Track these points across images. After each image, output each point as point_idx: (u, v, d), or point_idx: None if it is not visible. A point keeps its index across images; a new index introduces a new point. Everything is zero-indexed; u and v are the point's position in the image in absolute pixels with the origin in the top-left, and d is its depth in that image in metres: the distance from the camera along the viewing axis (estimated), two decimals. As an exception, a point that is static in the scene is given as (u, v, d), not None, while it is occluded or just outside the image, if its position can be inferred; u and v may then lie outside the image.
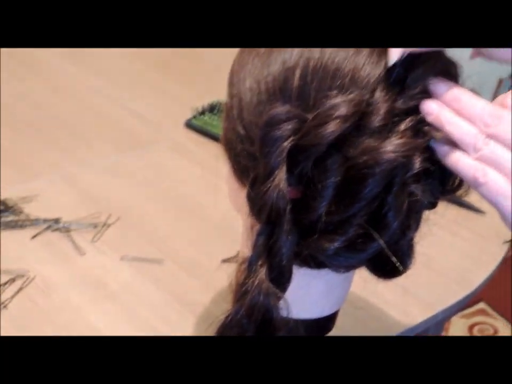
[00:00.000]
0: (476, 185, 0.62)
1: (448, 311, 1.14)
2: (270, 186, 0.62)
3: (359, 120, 0.62)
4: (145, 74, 1.87)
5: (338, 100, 0.62)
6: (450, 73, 0.66)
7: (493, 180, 0.61)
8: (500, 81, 2.98)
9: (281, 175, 0.62)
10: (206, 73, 1.86)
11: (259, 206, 0.64)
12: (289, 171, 0.63)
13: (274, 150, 0.62)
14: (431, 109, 0.64)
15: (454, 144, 0.63)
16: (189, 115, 1.62)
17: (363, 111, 0.62)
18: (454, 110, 0.63)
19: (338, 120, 0.61)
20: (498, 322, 2.47)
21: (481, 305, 2.53)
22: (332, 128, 0.61)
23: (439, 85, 0.64)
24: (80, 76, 1.82)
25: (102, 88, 1.77)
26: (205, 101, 1.65)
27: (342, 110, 0.61)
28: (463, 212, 1.34)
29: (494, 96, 2.08)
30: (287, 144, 0.62)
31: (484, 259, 1.25)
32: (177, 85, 1.81)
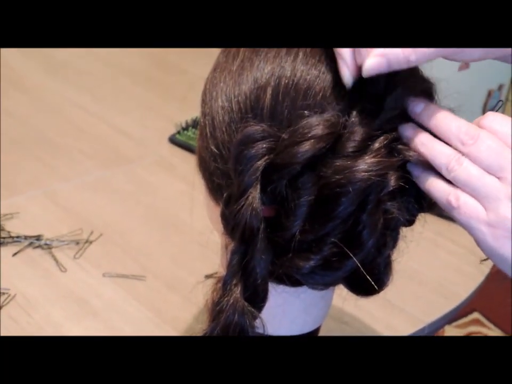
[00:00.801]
0: (449, 209, 0.61)
1: (435, 325, 1.14)
2: (243, 205, 0.62)
3: (334, 143, 0.61)
4: (129, 90, 1.87)
5: (314, 119, 0.61)
6: (428, 93, 0.66)
7: (465, 203, 0.60)
8: (490, 93, 2.98)
9: (254, 194, 0.62)
10: (190, 88, 1.85)
11: (233, 224, 0.63)
12: (263, 190, 0.62)
13: (248, 169, 0.62)
14: (407, 133, 0.64)
15: (429, 167, 0.63)
16: (172, 130, 1.62)
17: (339, 133, 0.62)
18: (431, 128, 0.63)
19: (313, 140, 0.61)
20: (493, 332, 2.46)
21: (475, 315, 2.52)
22: (307, 147, 0.61)
23: (416, 104, 0.64)
24: (63, 91, 1.81)
25: (85, 104, 1.76)
26: (189, 116, 1.65)
27: (318, 130, 0.61)
28: (445, 224, 1.34)
29: (484, 107, 2.06)
30: (261, 162, 0.62)
31: (470, 271, 1.25)
32: (161, 100, 1.81)
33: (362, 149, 0.62)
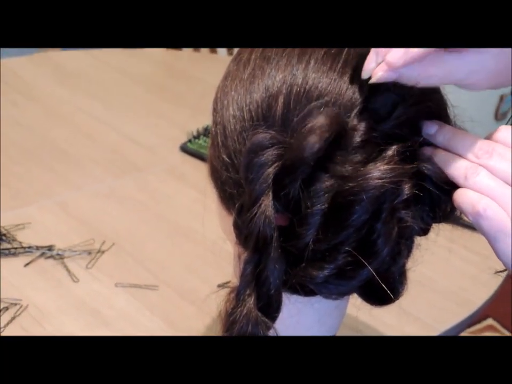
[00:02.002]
0: (475, 218, 0.60)
1: (450, 333, 1.13)
2: (256, 213, 0.61)
3: (340, 138, 0.61)
4: (140, 98, 1.87)
5: (317, 116, 0.61)
6: (443, 111, 0.66)
7: (495, 214, 0.59)
8: (502, 97, 2.98)
9: (267, 202, 0.61)
10: (201, 96, 1.85)
11: (246, 233, 0.63)
12: (276, 197, 0.62)
13: (259, 177, 0.61)
14: (425, 151, 0.64)
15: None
16: (184, 139, 1.62)
17: (342, 123, 0.61)
18: (445, 147, 0.63)
19: (318, 131, 0.60)
20: (509, 338, 2.44)
21: (489, 321, 2.50)
22: (313, 139, 0.60)
23: (429, 126, 0.64)
24: (73, 100, 1.82)
25: (96, 112, 1.76)
26: (200, 125, 1.64)
27: (321, 121, 0.60)
28: (459, 230, 1.32)
29: (496, 112, 2.07)
30: (272, 169, 0.61)
31: (484, 278, 1.24)
32: (172, 108, 1.81)
33: (371, 144, 0.62)
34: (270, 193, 0.61)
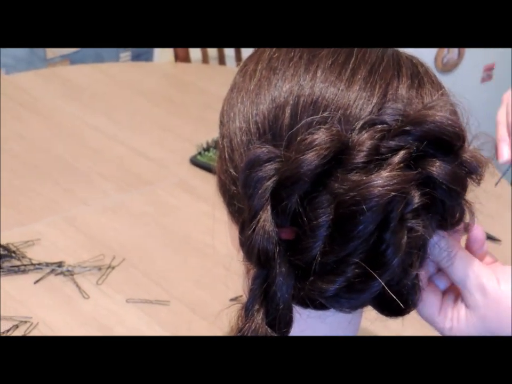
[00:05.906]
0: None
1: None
2: (255, 229, 0.60)
3: (340, 154, 0.59)
4: (149, 111, 1.86)
5: (318, 131, 0.60)
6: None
7: None
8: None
9: (265, 217, 0.60)
10: (209, 108, 1.85)
11: (248, 249, 0.62)
12: (276, 211, 0.61)
13: (257, 191, 0.60)
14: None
15: None
16: (193, 151, 1.61)
17: (343, 141, 0.60)
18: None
19: (316, 148, 0.59)
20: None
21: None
22: (309, 156, 0.59)
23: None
24: (79, 114, 1.81)
25: (103, 126, 1.75)
26: (210, 137, 1.63)
27: (320, 139, 0.59)
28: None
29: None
30: (269, 183, 0.60)
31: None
32: (181, 121, 1.80)
33: (374, 162, 0.60)
34: (269, 208, 0.60)
